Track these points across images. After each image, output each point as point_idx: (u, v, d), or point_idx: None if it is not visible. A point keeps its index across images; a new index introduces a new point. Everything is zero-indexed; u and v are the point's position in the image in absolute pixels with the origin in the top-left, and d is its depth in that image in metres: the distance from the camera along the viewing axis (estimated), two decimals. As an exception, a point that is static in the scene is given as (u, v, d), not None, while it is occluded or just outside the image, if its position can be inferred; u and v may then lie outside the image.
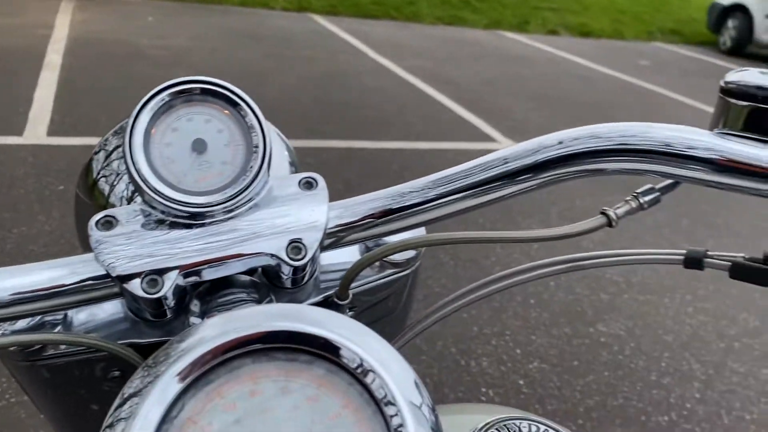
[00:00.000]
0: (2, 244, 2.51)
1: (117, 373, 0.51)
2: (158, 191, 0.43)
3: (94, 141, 3.49)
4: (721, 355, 2.42)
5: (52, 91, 4.19)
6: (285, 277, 0.47)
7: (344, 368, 0.33)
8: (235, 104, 0.46)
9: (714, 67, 8.61)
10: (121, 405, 0.33)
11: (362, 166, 3.66)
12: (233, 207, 0.44)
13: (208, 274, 0.44)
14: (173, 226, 0.44)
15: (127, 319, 0.49)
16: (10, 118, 3.68)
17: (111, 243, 0.43)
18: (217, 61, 5.41)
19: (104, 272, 0.43)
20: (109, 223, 0.44)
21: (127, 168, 0.43)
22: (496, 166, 0.47)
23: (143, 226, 0.44)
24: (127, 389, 0.34)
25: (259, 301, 0.48)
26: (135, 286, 0.42)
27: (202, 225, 0.44)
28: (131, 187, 0.58)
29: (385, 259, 0.54)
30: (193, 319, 0.47)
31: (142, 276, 0.42)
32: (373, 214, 0.48)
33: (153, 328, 0.48)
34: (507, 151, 0.48)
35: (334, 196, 0.47)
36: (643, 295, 2.75)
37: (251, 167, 0.45)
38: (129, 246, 0.43)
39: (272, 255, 0.44)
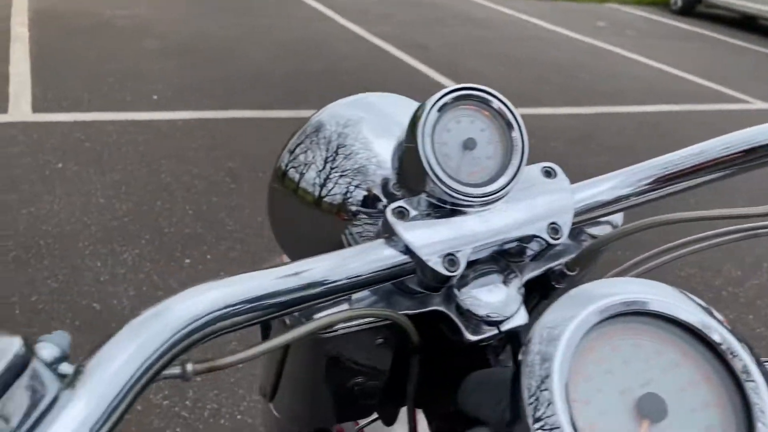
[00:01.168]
0: (15, 225, 2.51)
1: (380, 340, 0.60)
2: (448, 185, 0.52)
3: (81, 117, 3.46)
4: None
5: (27, 66, 4.09)
6: (529, 254, 0.57)
7: (705, 343, 0.40)
8: (491, 105, 0.55)
9: (667, 27, 8.88)
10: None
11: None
12: (501, 196, 0.54)
13: (483, 253, 0.53)
14: (453, 213, 0.53)
15: (392, 294, 0.57)
16: (-10, 95, 3.60)
17: (410, 228, 0.51)
18: (186, 31, 5.33)
19: (399, 255, 0.51)
20: (401, 213, 0.53)
21: (423, 165, 0.51)
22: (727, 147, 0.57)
23: (428, 214, 0.53)
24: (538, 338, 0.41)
25: (502, 273, 0.57)
26: (437, 265, 0.51)
27: (475, 212, 0.53)
28: (322, 176, 0.65)
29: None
30: (455, 291, 0.56)
31: (443, 256, 0.51)
32: (618, 197, 0.57)
33: (416, 300, 0.57)
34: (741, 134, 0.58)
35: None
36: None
37: (513, 161, 0.54)
38: (426, 231, 0.52)
39: (536, 236, 0.54)
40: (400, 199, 0.61)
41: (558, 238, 0.54)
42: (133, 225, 2.62)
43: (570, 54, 6.44)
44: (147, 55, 4.61)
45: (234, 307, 0.42)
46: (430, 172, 0.52)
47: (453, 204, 0.53)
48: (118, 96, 3.85)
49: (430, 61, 5.40)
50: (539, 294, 0.63)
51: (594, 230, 0.65)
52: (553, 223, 0.54)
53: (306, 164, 0.64)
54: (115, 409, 0.34)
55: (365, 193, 0.61)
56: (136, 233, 2.57)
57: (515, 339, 0.61)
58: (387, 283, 0.54)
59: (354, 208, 0.61)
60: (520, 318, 0.57)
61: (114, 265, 2.37)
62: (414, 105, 0.67)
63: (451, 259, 0.51)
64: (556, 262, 0.61)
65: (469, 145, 0.54)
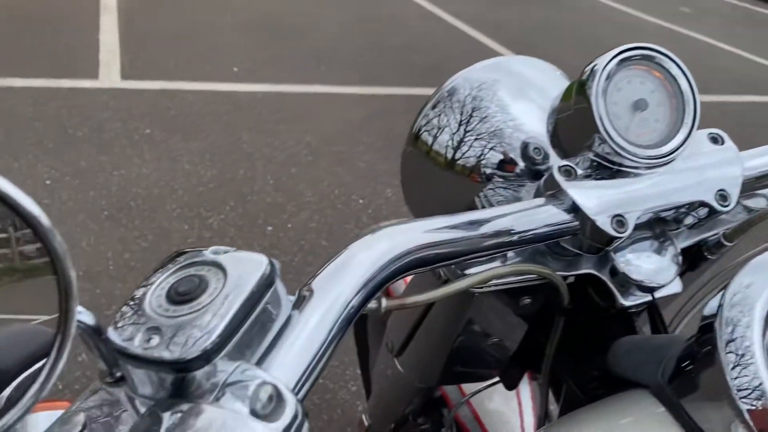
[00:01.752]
0: (108, 185, 2.61)
1: (528, 300, 0.60)
2: (619, 144, 0.52)
3: (167, 85, 3.57)
4: None
5: (116, 36, 4.23)
6: (687, 222, 0.56)
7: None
8: (664, 66, 0.54)
9: (757, 15, 8.48)
10: None
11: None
12: (670, 160, 0.53)
13: (647, 217, 0.53)
14: (619, 174, 0.53)
15: (543, 254, 0.58)
16: (83, 61, 3.74)
17: (577, 187, 0.52)
18: (264, 6, 5.40)
19: (563, 214, 0.52)
20: (568, 172, 0.53)
21: (595, 123, 0.51)
22: None
23: (595, 175, 0.53)
24: None
25: (658, 240, 0.57)
26: (605, 225, 0.51)
27: (641, 175, 0.53)
28: (456, 138, 0.66)
29: None
30: (612, 255, 0.55)
31: (612, 216, 0.51)
32: None
33: (566, 262, 0.57)
34: None
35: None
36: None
37: (684, 124, 0.53)
38: (594, 190, 0.52)
39: (704, 203, 0.53)
40: (538, 163, 0.61)
41: (726, 206, 0.54)
42: (217, 191, 2.70)
43: (651, 40, 6.22)
44: (227, 28, 4.70)
45: (426, 250, 0.43)
46: (602, 130, 0.52)
47: (620, 165, 0.53)
48: (201, 67, 3.94)
49: (505, 42, 5.33)
50: (687, 264, 0.62)
51: (748, 202, 0.64)
52: (721, 190, 0.54)
53: (440, 127, 0.65)
54: (332, 333, 0.36)
55: (501, 156, 0.61)
56: (221, 199, 2.65)
57: (655, 308, 0.61)
58: (543, 243, 0.55)
59: (488, 171, 0.61)
60: (675, 286, 0.57)
61: (201, 229, 2.45)
62: (550, 68, 0.67)
63: (619, 220, 0.51)
64: (713, 232, 0.60)
65: (639, 105, 0.53)
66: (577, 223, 0.52)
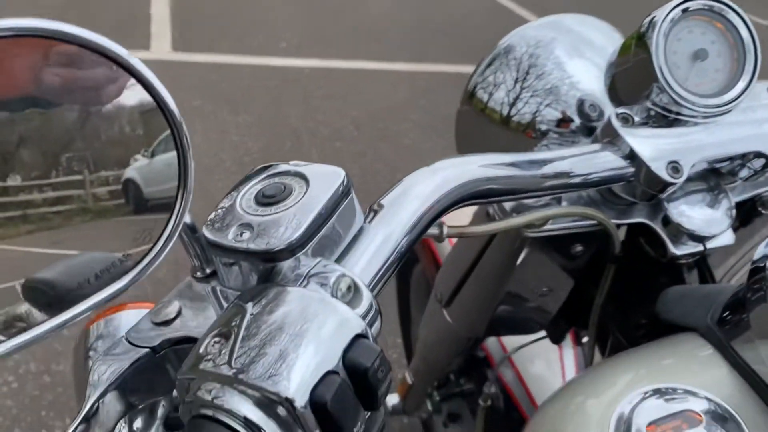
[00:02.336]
0: (159, 153, 2.68)
1: (580, 248, 0.62)
2: (678, 93, 0.53)
3: (215, 59, 3.62)
4: None
5: (167, 8, 4.30)
6: (742, 174, 0.57)
7: None
8: (725, 17, 0.54)
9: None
10: None
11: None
12: (728, 110, 0.54)
13: (702, 166, 0.54)
14: (676, 123, 0.54)
15: (594, 202, 0.59)
16: (135, 33, 3.82)
17: (634, 134, 0.53)
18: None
19: (619, 160, 0.53)
20: (625, 120, 0.54)
21: (654, 72, 0.52)
22: None
23: (651, 123, 0.54)
24: None
25: (712, 192, 0.57)
26: (661, 171, 0.52)
27: (699, 124, 0.54)
28: (511, 95, 0.67)
29: None
30: (665, 204, 0.56)
31: (668, 163, 0.52)
32: None
33: (617, 210, 0.58)
34: None
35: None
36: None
37: (744, 75, 0.54)
38: (650, 137, 0.53)
39: (760, 153, 0.54)
40: (593, 120, 0.62)
41: None
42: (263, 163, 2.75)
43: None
44: (277, 3, 4.74)
45: (486, 183, 0.45)
46: (661, 79, 0.53)
47: (677, 114, 0.54)
48: (250, 41, 3.99)
49: (554, 23, 5.25)
50: (740, 219, 0.63)
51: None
52: None
53: (496, 84, 0.66)
54: (400, 246, 0.38)
55: (556, 112, 0.62)
56: (267, 170, 2.70)
57: (704, 261, 0.62)
58: (596, 188, 0.56)
59: (543, 127, 0.62)
60: (727, 238, 0.57)
61: (247, 198, 2.50)
62: (605, 26, 0.68)
63: (674, 167, 0.52)
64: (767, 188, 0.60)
65: (699, 55, 0.54)
66: (632, 169, 0.53)
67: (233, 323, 0.31)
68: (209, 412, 0.29)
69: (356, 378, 0.30)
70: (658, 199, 0.56)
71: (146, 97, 0.36)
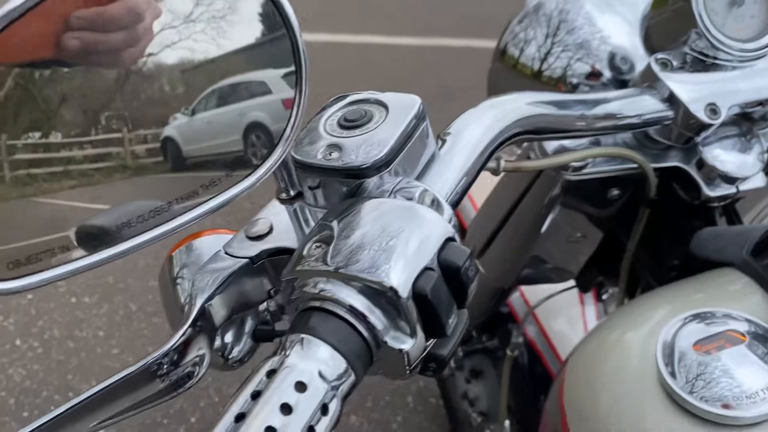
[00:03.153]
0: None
1: (615, 192, 0.64)
2: (715, 37, 0.55)
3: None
4: None
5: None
6: None
7: None
8: None
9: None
10: None
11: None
12: (763, 54, 0.56)
13: (736, 110, 0.56)
14: (713, 68, 0.56)
15: (633, 147, 0.61)
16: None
17: (673, 77, 0.55)
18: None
19: (658, 103, 0.55)
20: (664, 64, 0.56)
21: (694, 17, 0.54)
22: None
23: (688, 68, 0.56)
24: None
25: (744, 136, 0.60)
26: (699, 112, 0.54)
27: (735, 69, 0.56)
28: (542, 51, 0.69)
29: None
30: (700, 147, 0.59)
31: (706, 105, 0.54)
32: None
33: (652, 155, 0.60)
34: None
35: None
36: None
37: None
38: (689, 80, 0.55)
39: None
40: (624, 73, 0.64)
41: None
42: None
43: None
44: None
45: (537, 120, 0.48)
46: (700, 24, 0.55)
47: (714, 58, 0.56)
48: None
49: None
50: None
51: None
52: None
53: (527, 41, 0.68)
54: (466, 174, 0.41)
55: (587, 66, 0.64)
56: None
57: (732, 207, 0.64)
58: (634, 130, 0.58)
59: (575, 81, 0.64)
60: (759, 180, 0.60)
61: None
62: None
63: (712, 109, 0.54)
64: None
65: (736, 1, 0.56)
66: (670, 112, 0.55)
67: (332, 229, 0.34)
68: (316, 304, 0.32)
69: (449, 275, 0.33)
70: (693, 143, 0.58)
71: (187, 54, 0.38)
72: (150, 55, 0.36)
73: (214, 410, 1.61)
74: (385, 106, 0.40)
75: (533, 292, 1.02)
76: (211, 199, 0.38)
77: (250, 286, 0.40)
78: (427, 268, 0.32)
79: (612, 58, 0.63)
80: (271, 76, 0.42)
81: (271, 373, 0.30)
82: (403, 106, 0.40)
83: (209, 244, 0.42)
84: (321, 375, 0.30)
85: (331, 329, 0.31)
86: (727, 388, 0.44)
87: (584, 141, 0.59)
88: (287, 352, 0.31)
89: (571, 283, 0.85)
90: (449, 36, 4.06)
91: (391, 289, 0.31)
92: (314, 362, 0.30)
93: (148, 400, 0.36)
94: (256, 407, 0.29)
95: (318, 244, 0.34)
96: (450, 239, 0.34)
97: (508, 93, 0.48)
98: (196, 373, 0.37)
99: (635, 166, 0.59)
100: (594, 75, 0.64)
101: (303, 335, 0.31)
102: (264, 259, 0.40)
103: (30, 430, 0.32)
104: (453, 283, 0.33)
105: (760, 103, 0.57)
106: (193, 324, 0.36)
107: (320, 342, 0.31)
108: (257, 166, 0.39)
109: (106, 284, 1.99)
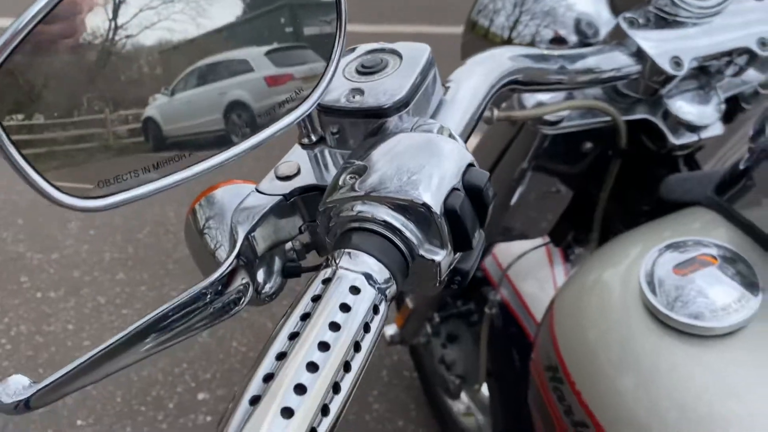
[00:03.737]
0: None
1: (589, 145, 0.68)
2: None
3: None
4: None
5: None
6: (729, 72, 0.63)
7: None
8: None
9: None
10: None
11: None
12: (719, 11, 0.60)
13: (694, 62, 0.60)
14: (675, 25, 0.60)
15: (603, 102, 0.64)
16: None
17: (640, 34, 0.59)
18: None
19: (628, 58, 0.59)
20: (631, 22, 0.60)
21: None
22: None
23: (651, 25, 0.60)
24: None
25: (703, 89, 0.64)
26: (664, 64, 0.58)
27: (695, 25, 0.60)
28: (511, 19, 0.72)
29: None
30: (665, 99, 0.63)
31: (671, 58, 0.58)
32: None
33: (621, 109, 0.64)
34: None
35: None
36: None
37: None
38: (654, 37, 0.59)
39: (747, 48, 0.60)
40: (590, 37, 0.68)
41: (766, 47, 0.61)
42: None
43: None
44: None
45: (526, 70, 0.51)
46: None
47: (675, 15, 0.60)
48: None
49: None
50: (726, 115, 0.69)
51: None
52: (762, 38, 0.61)
53: (496, 11, 0.72)
54: (470, 119, 0.44)
55: (554, 33, 0.68)
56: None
57: (692, 156, 0.69)
58: (605, 84, 0.62)
59: (543, 47, 0.68)
60: (718, 129, 0.64)
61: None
62: None
63: (676, 61, 0.58)
64: (749, 84, 0.67)
65: None
66: (639, 66, 0.59)
67: (363, 161, 0.36)
68: (356, 224, 0.35)
69: (473, 195, 0.36)
70: (658, 96, 0.62)
71: (166, 35, 0.38)
72: (129, 36, 0.37)
73: (192, 397, 1.62)
74: (398, 54, 0.44)
75: (505, 256, 1.06)
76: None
77: (282, 223, 0.43)
78: (454, 189, 0.35)
79: (578, 23, 0.67)
80: (254, 53, 0.43)
81: (326, 281, 0.32)
82: (415, 53, 0.43)
83: (229, 193, 0.44)
84: (370, 280, 0.32)
85: (372, 243, 0.34)
86: (702, 305, 0.49)
87: (560, 97, 0.63)
88: (338, 262, 0.33)
89: (541, 241, 0.89)
90: (400, 23, 4.07)
91: (425, 205, 0.34)
92: (363, 270, 0.33)
93: (195, 325, 0.38)
94: (318, 307, 0.31)
95: (352, 175, 0.36)
96: (470, 164, 0.37)
97: (496, 48, 0.51)
98: (241, 301, 0.39)
99: (608, 118, 0.63)
100: (561, 40, 0.67)
101: (348, 250, 0.34)
102: (297, 196, 0.43)
103: (95, 352, 0.35)
104: (476, 203, 0.36)
105: (717, 56, 0.61)
106: (237, 255, 0.38)
107: (364, 254, 0.33)
108: (289, 111, 0.41)
109: (72, 278, 1.97)
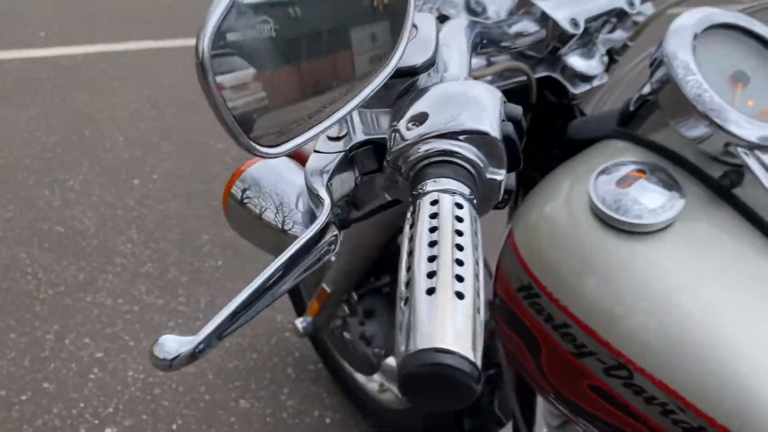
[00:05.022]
0: (-56, 162, 2.41)
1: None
2: None
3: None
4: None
5: None
6: (605, 30, 0.79)
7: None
8: None
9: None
10: None
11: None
12: None
13: (585, 23, 0.75)
14: None
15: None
16: None
17: (541, 3, 0.72)
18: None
19: (534, 24, 0.72)
20: None
21: None
22: None
23: None
24: None
25: (586, 46, 0.79)
26: (566, 24, 0.71)
27: None
28: None
29: None
30: (563, 58, 0.77)
31: (570, 19, 0.72)
32: None
33: (531, 68, 0.77)
34: None
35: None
36: None
37: None
38: (552, 5, 0.72)
39: (620, 8, 0.76)
40: (480, 14, 0.81)
41: (634, 9, 0.77)
42: (66, 155, 2.61)
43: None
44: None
45: (480, 33, 0.61)
46: None
47: None
48: (4, 35, 3.64)
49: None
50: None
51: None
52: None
53: None
54: (468, 68, 0.53)
55: (445, 14, 0.80)
56: (74, 162, 2.57)
57: (579, 107, 0.85)
58: (517, 49, 0.75)
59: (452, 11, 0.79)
60: (604, 77, 0.80)
61: (63, 191, 2.37)
62: None
63: (574, 22, 0.72)
64: (620, 39, 0.84)
65: None
66: (543, 31, 0.72)
67: (423, 111, 0.44)
68: (427, 161, 0.42)
69: (514, 125, 0.45)
70: (558, 56, 0.77)
71: None
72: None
73: (92, 436, 1.54)
74: (414, 24, 0.51)
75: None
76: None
77: (343, 178, 0.48)
78: (502, 120, 0.44)
79: (467, 2, 0.79)
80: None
81: (434, 203, 0.38)
82: (427, 21, 0.52)
83: (262, 167, 0.50)
84: (464, 196, 0.39)
85: (449, 170, 0.41)
86: (640, 209, 0.62)
87: (483, 64, 0.75)
88: (439, 188, 0.39)
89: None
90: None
91: (487, 134, 0.42)
92: (455, 188, 0.39)
93: (300, 273, 0.44)
94: (441, 222, 0.37)
95: (412, 122, 0.43)
96: (504, 101, 0.46)
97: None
98: (333, 250, 0.45)
99: (522, 78, 0.76)
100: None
101: (433, 179, 0.40)
102: (356, 150, 0.48)
103: (233, 307, 0.40)
104: (517, 131, 0.45)
105: (599, 16, 0.76)
106: (331, 207, 0.44)
107: (448, 179, 0.40)
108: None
109: None
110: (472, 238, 0.37)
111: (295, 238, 0.45)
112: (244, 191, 0.51)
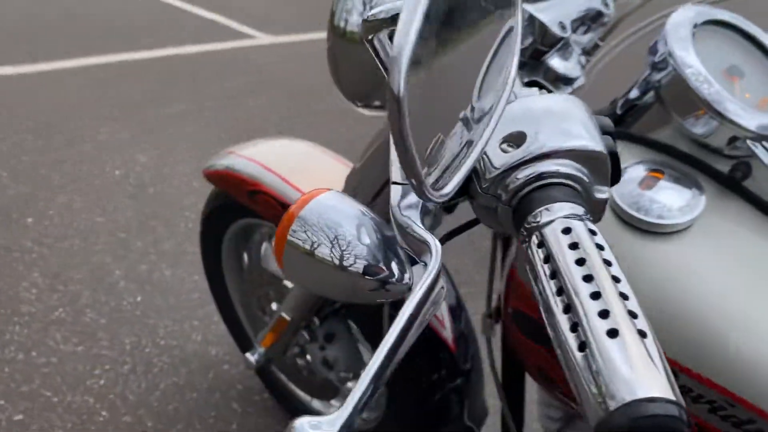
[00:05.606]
0: None
1: None
2: None
3: None
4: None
5: None
6: (582, 29, 0.79)
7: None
8: None
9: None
10: None
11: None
12: None
13: (571, 26, 0.74)
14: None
15: None
16: None
17: (529, 8, 0.71)
18: None
19: (524, 30, 0.70)
20: None
21: None
22: None
23: (531, 1, 0.72)
24: None
25: (565, 49, 0.79)
26: (554, 27, 0.71)
27: None
28: (364, 14, 0.80)
29: None
30: (547, 62, 0.76)
31: (558, 23, 0.71)
32: None
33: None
34: None
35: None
36: None
37: None
38: (539, 9, 0.71)
39: (597, 9, 0.76)
40: None
41: (609, 9, 0.78)
42: None
43: None
44: None
45: None
46: None
47: None
48: None
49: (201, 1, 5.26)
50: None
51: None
52: (605, 0, 0.77)
53: (348, 11, 0.78)
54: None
55: None
56: None
57: None
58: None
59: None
60: (583, 78, 0.80)
61: None
62: None
63: (562, 25, 0.72)
64: (590, 38, 0.84)
65: None
66: (530, 36, 0.71)
67: (519, 130, 0.40)
68: (530, 187, 0.38)
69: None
70: (542, 61, 0.76)
71: None
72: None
73: None
74: None
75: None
76: None
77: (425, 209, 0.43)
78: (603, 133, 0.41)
79: None
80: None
81: (565, 231, 0.35)
82: None
83: (315, 206, 0.43)
84: (590, 220, 0.37)
85: (560, 192, 0.38)
86: (659, 209, 0.62)
87: None
88: (562, 214, 0.36)
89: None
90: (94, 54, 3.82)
91: (596, 151, 0.39)
92: (579, 213, 0.37)
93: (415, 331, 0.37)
94: (590, 253, 0.34)
95: (508, 144, 0.40)
96: (591, 112, 0.43)
97: None
98: (444, 290, 0.39)
99: None
100: None
101: (545, 206, 0.37)
102: None
103: (371, 375, 0.35)
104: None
105: (580, 18, 0.76)
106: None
107: (561, 203, 0.37)
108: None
109: None
110: (620, 266, 0.34)
111: (356, 274, 0.41)
112: (302, 234, 0.44)
